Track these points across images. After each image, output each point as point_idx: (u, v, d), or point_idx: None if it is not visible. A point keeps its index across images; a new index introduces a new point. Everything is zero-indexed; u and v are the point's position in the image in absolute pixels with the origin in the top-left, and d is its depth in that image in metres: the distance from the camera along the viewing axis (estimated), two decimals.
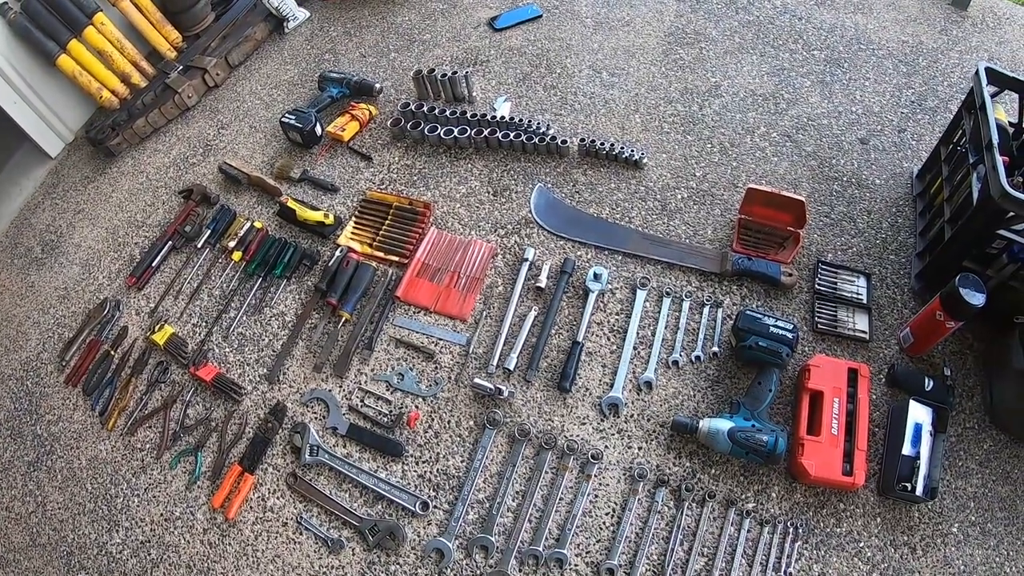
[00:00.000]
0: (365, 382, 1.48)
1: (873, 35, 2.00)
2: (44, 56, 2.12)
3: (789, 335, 1.31)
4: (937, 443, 1.22)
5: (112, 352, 1.70)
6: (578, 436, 1.34)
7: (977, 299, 1.16)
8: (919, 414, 1.24)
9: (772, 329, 1.32)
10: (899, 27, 2.02)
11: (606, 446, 1.33)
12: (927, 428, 1.23)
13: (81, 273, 1.92)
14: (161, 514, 1.43)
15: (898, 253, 1.52)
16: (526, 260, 1.54)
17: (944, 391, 1.28)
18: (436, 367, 1.47)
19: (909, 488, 1.17)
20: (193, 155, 2.08)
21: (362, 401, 1.45)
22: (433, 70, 1.90)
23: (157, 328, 1.67)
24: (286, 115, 1.89)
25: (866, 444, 1.22)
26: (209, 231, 1.81)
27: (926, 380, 1.29)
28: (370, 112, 1.93)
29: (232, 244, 1.75)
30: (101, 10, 2.19)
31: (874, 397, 1.31)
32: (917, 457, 1.20)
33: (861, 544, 1.19)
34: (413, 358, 1.49)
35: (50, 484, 1.55)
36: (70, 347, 1.76)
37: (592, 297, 1.48)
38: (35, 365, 1.77)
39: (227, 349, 1.61)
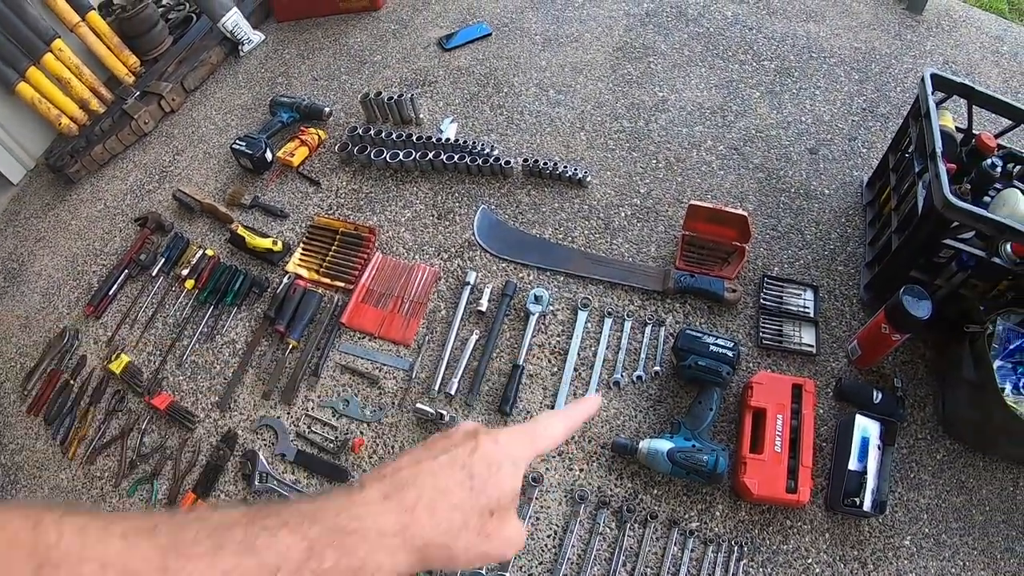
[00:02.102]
0: (312, 408, 1.51)
1: (825, 43, 2.01)
2: (2, 84, 2.14)
3: (730, 353, 1.31)
4: (885, 456, 1.22)
5: (71, 381, 1.73)
6: None
7: (922, 311, 1.16)
8: (866, 427, 1.23)
9: (712, 348, 1.32)
10: (852, 34, 2.04)
11: (547, 469, 1.34)
12: (875, 441, 1.22)
13: (42, 302, 1.94)
14: None
15: (847, 264, 1.53)
16: (468, 284, 1.57)
17: (893, 403, 1.29)
18: (380, 392, 1.50)
19: (857, 503, 1.17)
20: (149, 182, 2.10)
21: (309, 427, 1.48)
22: (380, 93, 1.92)
23: (114, 357, 1.70)
24: (237, 141, 1.91)
25: (811, 460, 1.22)
26: (163, 259, 1.84)
27: (874, 392, 1.29)
28: (319, 136, 1.95)
29: (185, 272, 1.78)
30: (59, 37, 2.20)
31: (822, 412, 1.32)
32: (864, 472, 1.19)
33: (809, 560, 1.19)
34: (358, 384, 1.52)
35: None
36: (31, 376, 1.78)
37: (533, 319, 1.51)
38: None
39: (180, 377, 1.64)
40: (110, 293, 1.84)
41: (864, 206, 1.60)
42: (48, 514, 0.33)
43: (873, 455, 1.21)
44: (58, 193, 2.21)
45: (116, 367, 1.67)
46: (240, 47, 2.37)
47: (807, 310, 1.47)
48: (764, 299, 1.49)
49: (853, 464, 1.20)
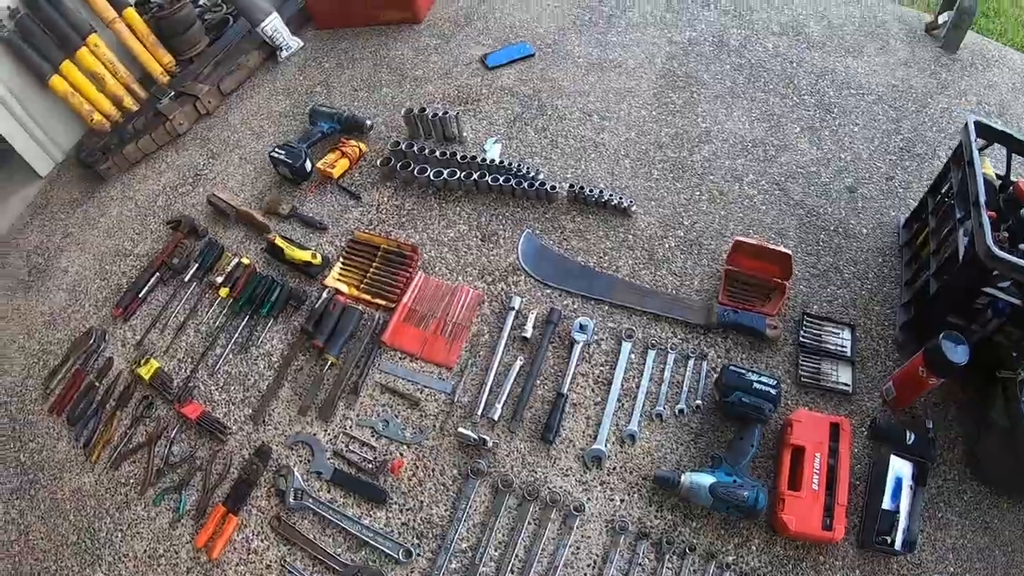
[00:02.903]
0: (350, 427, 1.49)
1: (863, 79, 2.03)
2: (36, 75, 2.12)
3: (772, 391, 1.32)
4: (917, 496, 1.24)
5: (97, 383, 1.70)
6: (561, 488, 1.35)
7: (960, 357, 1.18)
8: (900, 468, 1.25)
9: (756, 385, 1.32)
10: (889, 71, 2.05)
11: (588, 498, 1.34)
12: (907, 482, 1.24)
13: (68, 299, 1.91)
14: (144, 550, 1.42)
15: (883, 304, 1.53)
16: (512, 309, 1.56)
17: (926, 444, 1.30)
18: (421, 414, 1.48)
19: (888, 542, 1.19)
20: (182, 184, 2.07)
21: (347, 446, 1.46)
22: (424, 109, 1.91)
23: (143, 362, 1.67)
24: (276, 149, 1.89)
25: (846, 499, 1.23)
26: (196, 265, 1.81)
27: (907, 434, 1.30)
28: (360, 149, 1.94)
29: (219, 279, 1.76)
30: (95, 31, 2.18)
31: (856, 450, 1.33)
32: (897, 511, 1.21)
33: None
34: (398, 404, 1.50)
35: (32, 513, 1.55)
36: (55, 375, 1.75)
37: (577, 348, 1.50)
38: (19, 391, 1.76)
39: (212, 387, 1.61)
40: (140, 295, 1.82)
41: (901, 246, 1.61)
42: None
43: (906, 495, 1.23)
44: (87, 189, 2.19)
45: (145, 372, 1.64)
46: (278, 53, 2.35)
47: (844, 349, 1.47)
48: (803, 337, 1.49)
49: (887, 503, 1.22)
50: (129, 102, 2.27)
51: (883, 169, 1.79)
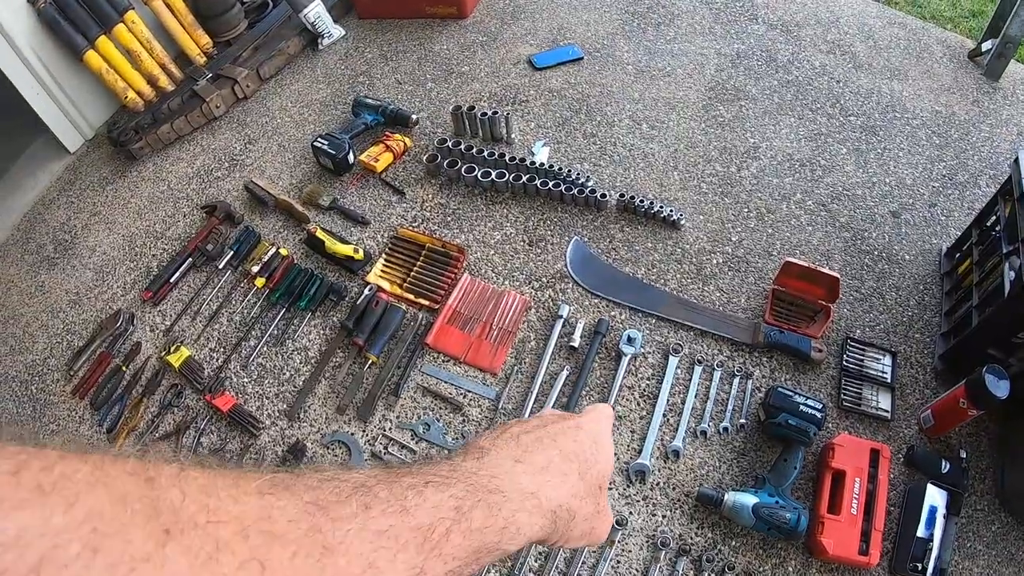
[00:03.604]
0: (390, 429, 1.45)
1: (908, 103, 2.01)
2: (71, 50, 2.08)
3: (818, 415, 1.31)
4: (949, 525, 1.25)
5: (123, 368, 1.66)
6: None
7: (1002, 391, 1.18)
8: (935, 497, 1.26)
9: (802, 408, 1.32)
10: (933, 96, 2.04)
11: (631, 512, 1.32)
12: (941, 511, 1.25)
13: (94, 279, 1.87)
14: None
15: (923, 332, 1.52)
16: (560, 317, 1.53)
17: (959, 474, 1.30)
18: (464, 419, 1.45)
19: (920, 568, 1.19)
20: (218, 168, 2.03)
21: (386, 448, 1.43)
22: (473, 107, 1.87)
23: (172, 349, 1.63)
24: (319, 139, 1.85)
25: (883, 525, 1.24)
26: (232, 252, 1.77)
27: (943, 463, 1.30)
28: (405, 144, 1.90)
29: (255, 269, 1.72)
30: (133, 8, 2.14)
31: (891, 476, 1.32)
32: (930, 539, 1.22)
33: None
34: (440, 408, 1.47)
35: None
36: (79, 356, 1.71)
37: (625, 361, 1.47)
38: (41, 370, 1.72)
39: (245, 379, 1.58)
40: (171, 280, 1.78)
41: (942, 275, 1.60)
42: (163, 468, 0.27)
43: (939, 523, 1.24)
44: (117, 168, 2.14)
45: (175, 360, 1.61)
46: (320, 40, 2.31)
47: (885, 375, 1.46)
48: (847, 361, 1.48)
49: (921, 531, 1.23)
50: (164, 81, 2.23)
51: (926, 196, 1.77)
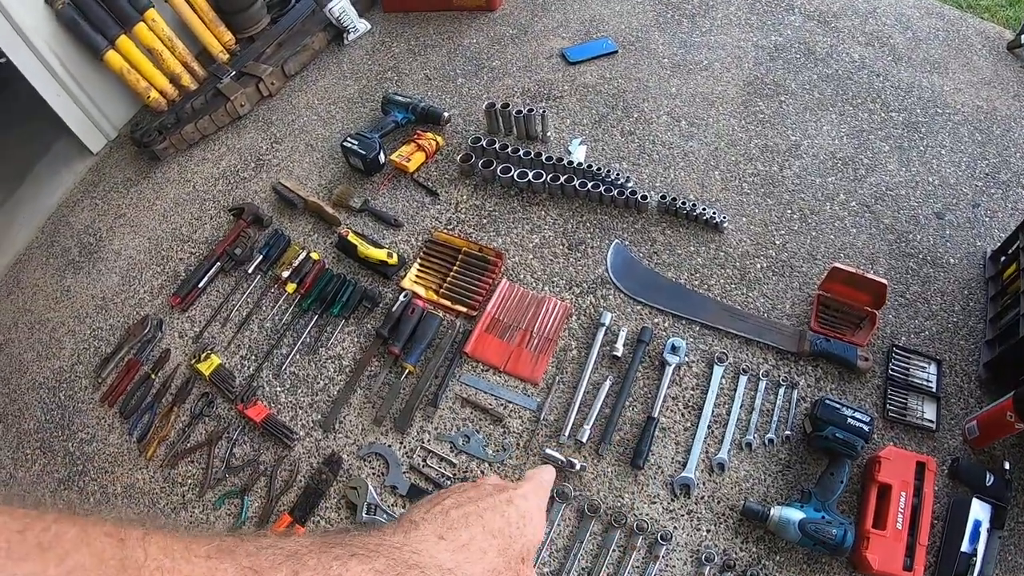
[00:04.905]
0: (428, 440, 1.41)
1: (949, 98, 1.93)
2: (91, 50, 2.04)
3: (866, 428, 1.27)
4: (992, 540, 1.22)
5: (153, 376, 1.63)
6: (648, 515, 1.29)
7: None
8: (979, 511, 1.24)
9: (850, 421, 1.28)
10: (973, 90, 1.96)
11: (675, 527, 1.28)
12: (985, 525, 1.23)
13: (120, 284, 1.84)
14: None
15: (967, 339, 1.47)
16: (603, 325, 1.47)
17: (1003, 487, 1.26)
18: (504, 431, 1.40)
19: None
20: (244, 169, 1.99)
21: (424, 461, 1.39)
22: (507, 104, 1.81)
23: (203, 356, 1.60)
24: (348, 139, 1.80)
25: (927, 540, 1.20)
26: (261, 256, 1.73)
27: (987, 475, 1.27)
28: (437, 142, 1.85)
29: (286, 274, 1.67)
30: (153, 6, 2.10)
31: (935, 488, 1.28)
32: (973, 553, 1.20)
33: None
34: (480, 419, 1.42)
35: (81, 506, 1.48)
36: (107, 363, 1.69)
37: (669, 370, 1.41)
38: (68, 377, 1.70)
39: (278, 388, 1.54)
40: (199, 285, 1.74)
41: (987, 279, 1.53)
42: (132, 531, 0.33)
43: (983, 538, 1.21)
44: (141, 169, 2.11)
45: (205, 368, 1.58)
46: (345, 35, 2.26)
47: (931, 384, 1.41)
48: (892, 370, 1.42)
49: (965, 546, 1.20)
50: (187, 80, 2.18)
51: (969, 196, 1.70)
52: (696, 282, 1.57)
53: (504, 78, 2.05)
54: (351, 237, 1.63)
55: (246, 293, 1.70)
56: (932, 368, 1.43)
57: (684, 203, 1.63)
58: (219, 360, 1.60)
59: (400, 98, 1.91)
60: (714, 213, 1.63)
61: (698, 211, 1.62)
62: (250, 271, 1.72)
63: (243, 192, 1.93)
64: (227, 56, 2.26)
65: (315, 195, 1.82)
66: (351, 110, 2.05)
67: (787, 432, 1.36)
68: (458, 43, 2.18)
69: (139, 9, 2.07)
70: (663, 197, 1.65)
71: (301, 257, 1.70)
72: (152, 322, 1.71)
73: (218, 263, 1.77)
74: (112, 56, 2.05)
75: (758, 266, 1.60)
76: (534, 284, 1.59)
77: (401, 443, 1.42)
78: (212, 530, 1.40)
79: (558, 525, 1.29)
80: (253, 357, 1.60)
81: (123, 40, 2.06)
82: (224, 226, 1.86)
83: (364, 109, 2.04)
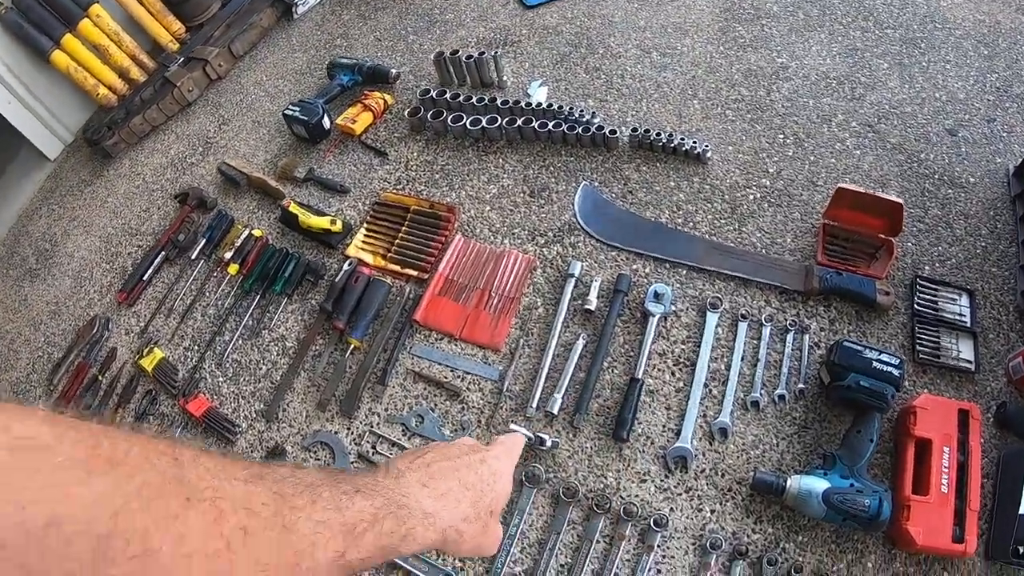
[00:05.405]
0: (377, 424, 1.24)
1: (947, 12, 1.72)
2: (37, 53, 1.96)
3: (895, 372, 1.06)
4: None
5: (100, 377, 1.51)
6: (637, 497, 1.10)
7: None
8: None
9: (875, 365, 1.07)
10: (973, 5, 1.75)
11: (671, 509, 1.08)
12: None
13: (72, 286, 1.74)
14: None
15: (1000, 265, 1.25)
16: (571, 276, 1.28)
17: None
18: (463, 407, 1.22)
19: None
20: (192, 154, 1.87)
21: (374, 447, 1.21)
22: (457, 52, 1.65)
23: (146, 352, 1.47)
24: (290, 107, 1.66)
25: (979, 503, 1.00)
26: (204, 240, 1.60)
27: None
28: (385, 101, 1.69)
29: (228, 255, 1.53)
30: (97, 1, 2.00)
31: (981, 441, 1.06)
32: None
33: None
34: (435, 396, 1.24)
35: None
36: (58, 369, 1.57)
37: (653, 322, 1.21)
38: (24, 387, 1.59)
39: (220, 378, 1.40)
40: (144, 278, 1.62)
41: (1013, 198, 1.33)
42: (184, 451, 0.38)
43: None
44: (95, 169, 2.02)
45: (148, 364, 1.44)
46: (294, 9, 2.14)
47: (964, 319, 1.19)
48: (918, 304, 1.21)
49: (1023, 508, 1.00)
50: (136, 73, 2.08)
51: (982, 111, 1.48)
52: (679, 220, 1.37)
53: (458, 30, 1.89)
54: (292, 207, 1.49)
55: (189, 280, 1.57)
56: (964, 300, 1.22)
57: (659, 135, 1.44)
58: (162, 354, 1.47)
59: (345, 60, 1.76)
60: (695, 143, 1.43)
61: (676, 142, 1.42)
62: (193, 257, 1.59)
63: (190, 178, 1.81)
64: (177, 46, 2.16)
65: (260, 170, 1.68)
66: (299, 82, 1.92)
67: (800, 385, 1.16)
68: (409, 2, 2.04)
69: (83, 6, 1.98)
70: (635, 130, 1.45)
71: (243, 236, 1.56)
72: (100, 321, 1.59)
73: (162, 252, 1.64)
74: (58, 56, 1.97)
75: (750, 197, 1.39)
76: (492, 238, 1.41)
77: (348, 428, 1.25)
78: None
79: (529, 515, 1.10)
80: (196, 347, 1.47)
81: (68, 39, 1.97)
82: (171, 215, 1.74)
83: (312, 79, 1.91)
